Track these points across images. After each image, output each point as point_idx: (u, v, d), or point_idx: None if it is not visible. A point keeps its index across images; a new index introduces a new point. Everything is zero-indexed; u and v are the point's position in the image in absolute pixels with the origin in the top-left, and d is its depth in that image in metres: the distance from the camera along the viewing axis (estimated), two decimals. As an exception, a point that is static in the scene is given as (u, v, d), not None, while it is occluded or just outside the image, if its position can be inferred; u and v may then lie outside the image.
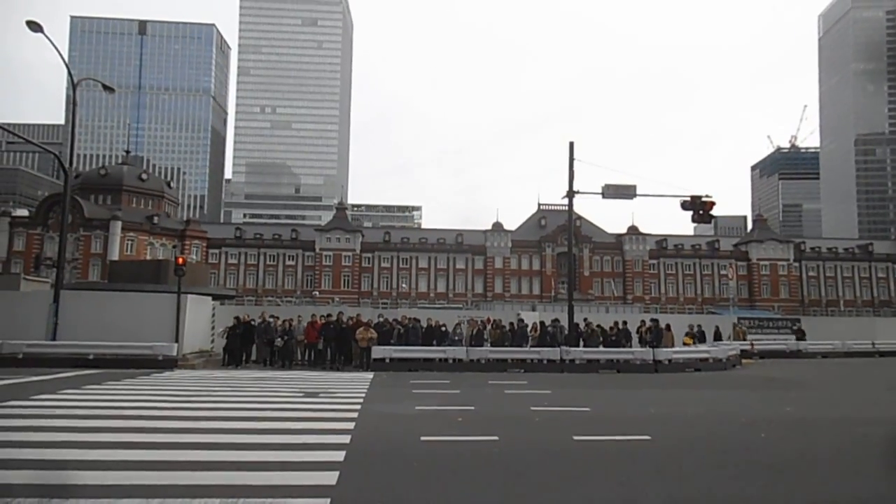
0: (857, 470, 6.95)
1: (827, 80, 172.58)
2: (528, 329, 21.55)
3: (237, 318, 20.04)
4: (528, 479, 6.29)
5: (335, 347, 19.75)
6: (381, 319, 20.74)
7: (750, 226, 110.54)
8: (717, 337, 25.66)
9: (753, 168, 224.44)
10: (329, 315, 20.40)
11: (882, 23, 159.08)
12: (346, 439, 7.83)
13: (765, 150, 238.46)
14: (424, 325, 20.89)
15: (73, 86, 19.78)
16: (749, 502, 5.54)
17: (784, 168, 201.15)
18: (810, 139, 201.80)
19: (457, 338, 20.55)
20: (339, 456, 6.88)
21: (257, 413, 9.84)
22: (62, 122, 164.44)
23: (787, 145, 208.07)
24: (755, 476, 6.53)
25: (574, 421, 10.10)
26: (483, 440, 8.11)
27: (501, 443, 8.00)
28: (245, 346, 19.80)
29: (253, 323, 19.92)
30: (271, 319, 20.12)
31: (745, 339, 26.96)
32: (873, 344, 28.76)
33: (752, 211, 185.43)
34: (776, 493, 5.87)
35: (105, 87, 20.79)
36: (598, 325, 22.15)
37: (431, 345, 20.15)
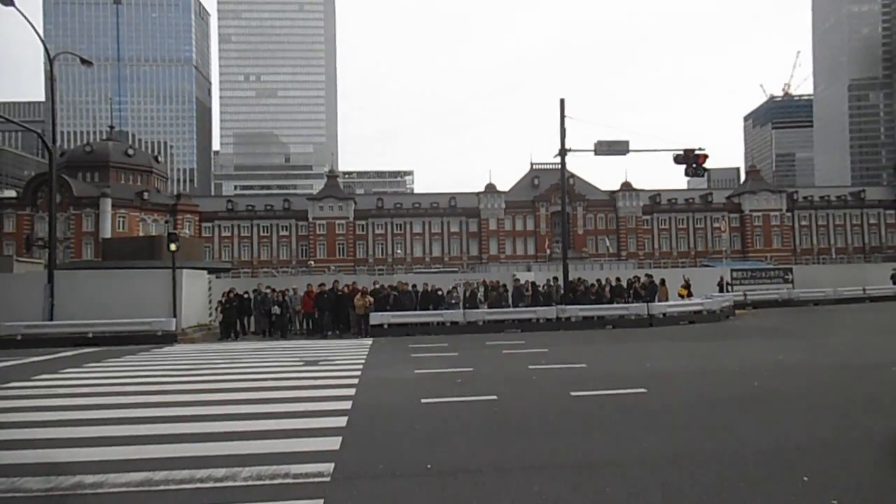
0: (847, 412, 7.12)
1: (820, 25, 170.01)
2: (525, 289, 21.71)
3: (228, 291, 20.01)
4: (526, 435, 6.43)
5: (332, 316, 19.85)
6: (377, 286, 20.82)
7: (743, 177, 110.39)
8: (723, 288, 26.30)
9: (746, 118, 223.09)
10: (323, 284, 20.42)
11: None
12: (347, 405, 7.95)
13: (758, 100, 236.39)
14: (421, 289, 21.01)
15: (49, 61, 19.31)
16: (742, 449, 5.68)
17: (777, 117, 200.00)
18: (804, 86, 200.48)
19: (453, 301, 20.70)
20: (342, 421, 6.99)
21: (258, 383, 9.95)
22: (42, 99, 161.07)
23: (781, 94, 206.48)
24: (748, 424, 6.68)
25: (571, 377, 10.26)
26: (482, 400, 8.25)
27: (500, 402, 8.14)
28: (241, 318, 19.89)
29: (246, 296, 19.93)
30: (268, 290, 20.18)
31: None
32: (864, 290, 29.14)
33: (746, 162, 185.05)
34: (768, 438, 6.03)
35: (83, 61, 20.31)
36: (582, 281, 22.51)
37: (428, 309, 20.29)
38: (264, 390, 9.27)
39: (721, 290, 25.91)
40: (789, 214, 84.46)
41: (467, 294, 21.01)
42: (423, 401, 8.22)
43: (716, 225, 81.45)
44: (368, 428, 6.80)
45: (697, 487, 4.66)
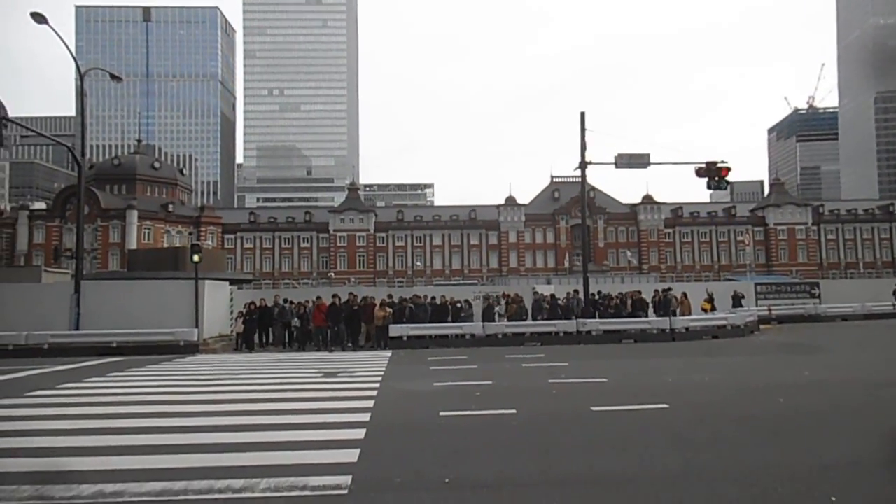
0: (876, 432, 6.91)
1: (845, 37, 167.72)
2: (544, 302, 21.57)
3: (251, 303, 20.08)
4: (547, 450, 6.34)
5: (348, 329, 19.55)
6: (390, 299, 20.64)
7: (767, 190, 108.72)
8: (737, 303, 25.30)
9: (770, 131, 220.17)
10: (336, 296, 20.12)
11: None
12: (365, 417, 7.93)
13: (782, 112, 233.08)
14: (439, 302, 20.93)
15: (80, 77, 19.84)
16: (767, 468, 5.53)
17: (801, 130, 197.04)
18: (828, 99, 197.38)
19: (463, 315, 20.51)
20: (360, 434, 6.98)
21: (278, 394, 10.00)
22: (73, 113, 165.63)
23: (805, 106, 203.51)
24: (773, 441, 6.52)
25: (591, 392, 10.14)
26: (501, 413, 8.17)
27: (520, 416, 8.05)
28: (262, 329, 19.89)
29: (268, 306, 19.96)
30: (286, 304, 20.18)
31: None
32: (894, 305, 28.39)
33: (769, 175, 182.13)
34: (794, 458, 5.87)
35: (112, 77, 20.83)
36: (607, 296, 22.26)
37: (442, 322, 20.18)
38: (283, 401, 9.30)
39: (735, 305, 24.73)
40: (815, 228, 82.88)
41: (484, 307, 20.89)
42: (442, 413, 8.17)
43: (739, 238, 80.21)
44: (386, 441, 6.78)
45: (721, 507, 4.55)
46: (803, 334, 21.28)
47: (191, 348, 18.25)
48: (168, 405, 9.12)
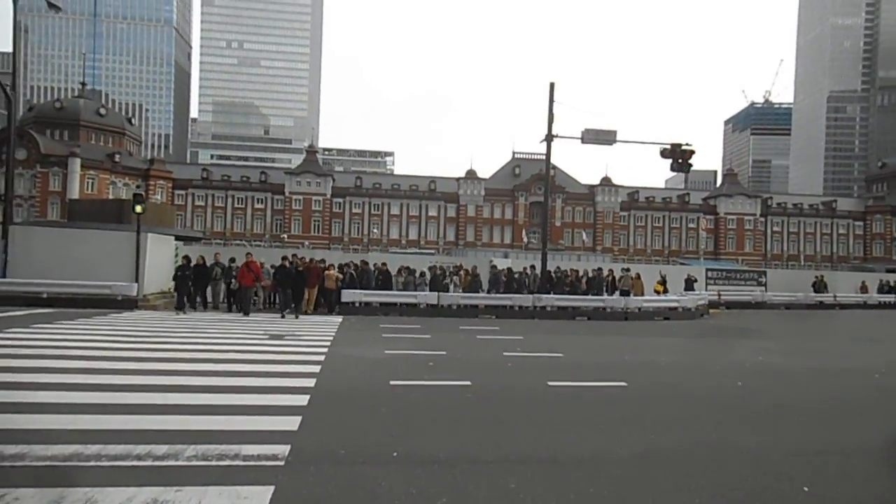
0: (837, 418, 6.84)
1: (805, 35, 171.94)
2: (502, 276, 21.36)
3: (185, 257, 18.76)
4: (502, 424, 5.99)
5: (290, 291, 18.51)
6: (321, 262, 19.79)
7: (720, 180, 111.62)
8: (689, 286, 25.67)
9: (726, 122, 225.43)
10: (285, 257, 19.09)
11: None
12: (310, 383, 7.43)
13: (739, 105, 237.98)
14: (395, 270, 20.37)
15: (13, 2, 18.09)
16: (729, 451, 5.31)
17: (756, 123, 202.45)
18: (784, 94, 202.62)
19: (401, 285, 20.05)
20: (303, 400, 6.48)
21: (219, 355, 9.35)
22: (10, 49, 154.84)
23: (762, 100, 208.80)
24: (734, 424, 6.34)
25: (548, 367, 9.89)
26: (455, 385, 7.80)
27: (474, 388, 7.69)
28: (198, 288, 18.63)
29: (205, 265, 18.66)
30: (231, 264, 19.04)
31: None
32: (835, 297, 29.49)
33: (723, 165, 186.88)
34: (756, 442, 5.67)
35: (50, 5, 19.06)
36: (555, 271, 22.40)
37: (388, 289, 19.63)
38: (223, 362, 8.67)
39: (687, 288, 25.16)
40: (762, 219, 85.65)
41: (431, 276, 20.41)
42: (393, 382, 7.73)
43: (691, 225, 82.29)
44: (331, 409, 6.30)
45: (693, 495, 4.25)
46: (751, 320, 21.75)
47: (129, 304, 17.22)
48: (95, 361, 8.37)
